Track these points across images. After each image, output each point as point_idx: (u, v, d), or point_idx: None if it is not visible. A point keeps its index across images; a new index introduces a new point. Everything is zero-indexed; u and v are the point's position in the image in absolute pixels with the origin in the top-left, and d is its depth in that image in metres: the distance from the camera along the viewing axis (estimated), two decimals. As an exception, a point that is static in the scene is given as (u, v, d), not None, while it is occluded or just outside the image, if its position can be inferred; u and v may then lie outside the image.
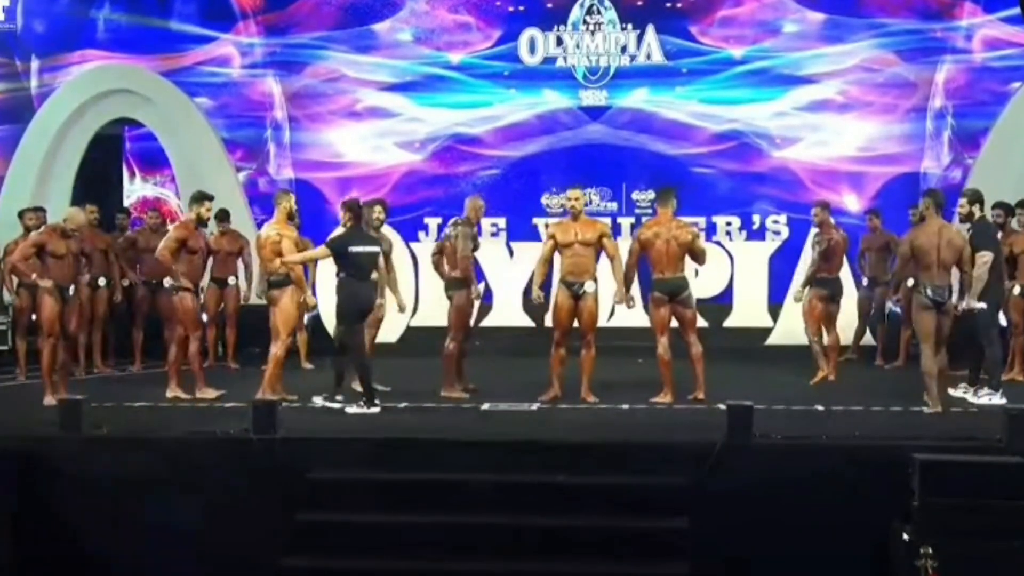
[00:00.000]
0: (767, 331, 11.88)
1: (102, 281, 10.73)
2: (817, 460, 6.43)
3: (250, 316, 11.29)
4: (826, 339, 9.46)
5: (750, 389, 8.31)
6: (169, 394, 8.69)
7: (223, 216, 11.19)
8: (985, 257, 7.97)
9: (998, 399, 8.03)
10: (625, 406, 8.19)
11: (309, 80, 13.27)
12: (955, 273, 8.04)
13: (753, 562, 6.27)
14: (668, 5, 12.82)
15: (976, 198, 8.30)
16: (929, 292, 7.77)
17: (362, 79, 13.23)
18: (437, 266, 9.14)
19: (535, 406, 8.21)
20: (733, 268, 12.12)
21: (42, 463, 6.76)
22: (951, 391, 8.27)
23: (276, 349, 8.33)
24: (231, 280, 11.11)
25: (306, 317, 11.20)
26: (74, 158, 12.72)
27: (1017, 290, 9.50)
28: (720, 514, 6.26)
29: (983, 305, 8.00)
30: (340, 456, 6.71)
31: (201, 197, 8.93)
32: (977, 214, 8.30)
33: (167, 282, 8.91)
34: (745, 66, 12.73)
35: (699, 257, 8.55)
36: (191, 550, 6.55)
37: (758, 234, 12.56)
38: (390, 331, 11.36)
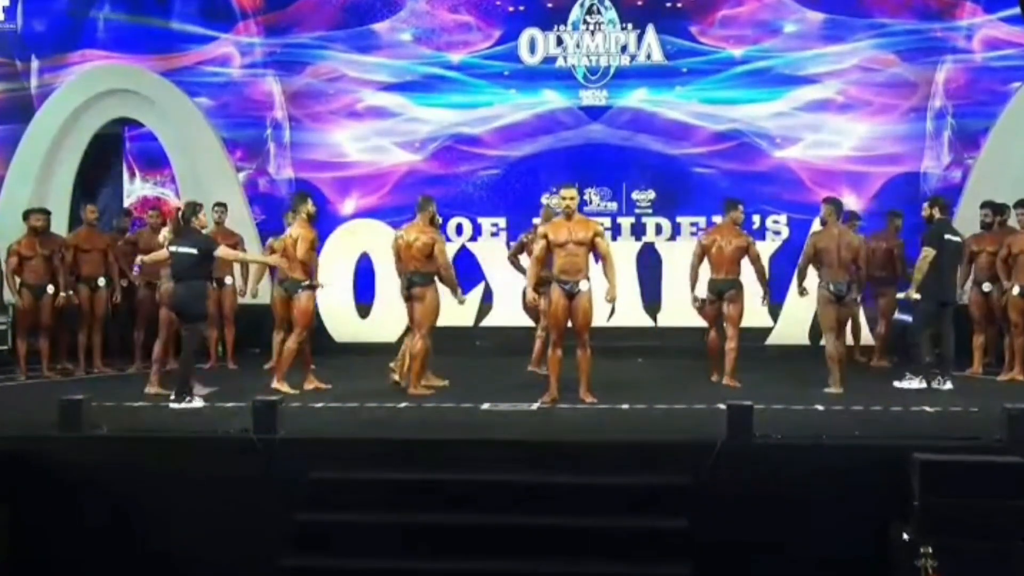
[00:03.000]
0: (767, 331, 11.87)
1: (102, 281, 10.75)
2: (817, 460, 6.43)
3: (249, 316, 11.33)
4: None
5: (750, 389, 8.32)
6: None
7: (220, 204, 11.21)
8: (925, 252, 8.90)
9: (916, 384, 8.89)
10: (625, 406, 8.19)
11: (309, 80, 13.25)
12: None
13: (753, 562, 6.27)
14: (668, 5, 12.81)
15: (935, 203, 9.27)
16: (831, 287, 8.91)
17: (362, 79, 13.20)
18: (514, 263, 10.05)
19: (535, 406, 8.21)
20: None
21: (42, 463, 6.76)
22: (897, 383, 9.03)
23: (419, 343, 8.76)
24: (227, 280, 11.13)
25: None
26: (74, 158, 12.72)
27: (1017, 290, 9.52)
28: (720, 514, 6.26)
29: (918, 296, 8.92)
30: (340, 456, 6.71)
31: (306, 196, 9.16)
32: (937, 216, 9.15)
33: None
34: (745, 66, 12.70)
35: (755, 262, 9.49)
36: (191, 550, 6.55)
37: (758, 234, 12.50)
38: (390, 331, 11.37)
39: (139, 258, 9.42)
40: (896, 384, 9.00)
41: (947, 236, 9.05)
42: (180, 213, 8.77)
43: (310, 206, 9.15)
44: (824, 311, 9.03)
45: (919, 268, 8.92)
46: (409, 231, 8.97)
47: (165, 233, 9.28)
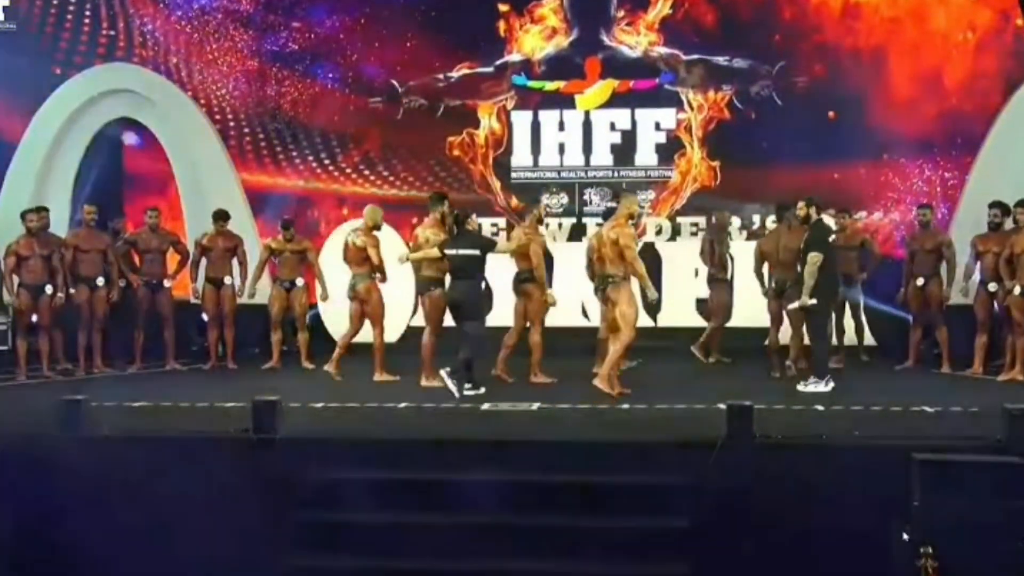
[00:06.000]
0: (767, 331, 11.85)
1: (101, 281, 10.74)
2: (817, 460, 6.43)
3: (248, 316, 11.33)
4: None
5: (750, 389, 8.32)
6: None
7: (221, 216, 11.22)
8: (815, 258, 8.94)
9: (823, 387, 8.87)
10: (625, 406, 8.19)
11: (310, 80, 13.24)
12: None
13: (753, 562, 6.27)
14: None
15: (813, 203, 9.25)
16: (773, 284, 9.96)
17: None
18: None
19: (535, 406, 8.22)
20: (733, 268, 12.07)
21: (42, 463, 6.76)
22: (801, 387, 9.04)
23: (535, 336, 9.53)
24: (227, 280, 11.13)
25: (307, 316, 11.30)
26: (74, 158, 12.72)
27: (1017, 290, 9.51)
28: (720, 514, 6.26)
29: (814, 301, 8.98)
30: (340, 456, 6.72)
31: (441, 197, 9.33)
32: (814, 217, 9.22)
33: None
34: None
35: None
36: (191, 550, 6.55)
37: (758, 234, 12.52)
38: (391, 331, 11.35)
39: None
40: (800, 388, 8.94)
41: (831, 238, 9.30)
42: (454, 218, 9.05)
43: (445, 207, 9.23)
44: (767, 306, 10.08)
45: (811, 274, 8.92)
46: (516, 232, 9.74)
47: (358, 238, 9.57)
